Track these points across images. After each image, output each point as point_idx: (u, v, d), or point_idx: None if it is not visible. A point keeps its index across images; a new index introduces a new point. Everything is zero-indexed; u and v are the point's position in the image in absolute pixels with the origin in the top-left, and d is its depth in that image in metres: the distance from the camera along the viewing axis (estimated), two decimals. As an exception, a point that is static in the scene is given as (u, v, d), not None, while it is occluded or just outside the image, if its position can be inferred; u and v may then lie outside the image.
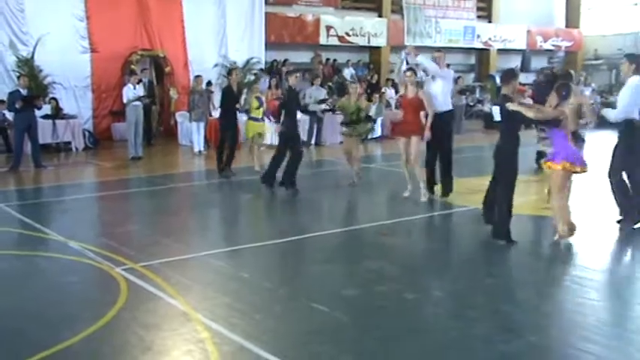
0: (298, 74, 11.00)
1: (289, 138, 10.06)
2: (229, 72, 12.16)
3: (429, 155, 9.34)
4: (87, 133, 16.01)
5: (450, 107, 9.40)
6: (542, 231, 7.81)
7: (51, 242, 7.26)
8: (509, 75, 7.15)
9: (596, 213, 8.36)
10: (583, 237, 7.13)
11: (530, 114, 6.67)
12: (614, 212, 7.80)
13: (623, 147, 7.50)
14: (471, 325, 4.78)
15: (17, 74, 14.54)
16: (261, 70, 18.52)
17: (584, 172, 6.85)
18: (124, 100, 14.10)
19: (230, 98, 11.38)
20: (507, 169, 6.94)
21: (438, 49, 10.46)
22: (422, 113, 9.23)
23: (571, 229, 6.94)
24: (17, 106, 12.20)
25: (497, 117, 7.06)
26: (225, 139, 11.45)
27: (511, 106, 6.76)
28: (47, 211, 9.39)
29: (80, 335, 4.50)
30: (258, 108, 11.90)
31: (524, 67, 26.79)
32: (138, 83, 14.33)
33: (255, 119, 12.00)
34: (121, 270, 5.98)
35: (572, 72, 11.23)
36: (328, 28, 22.08)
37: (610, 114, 7.61)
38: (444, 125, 9.18)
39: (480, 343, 4.51)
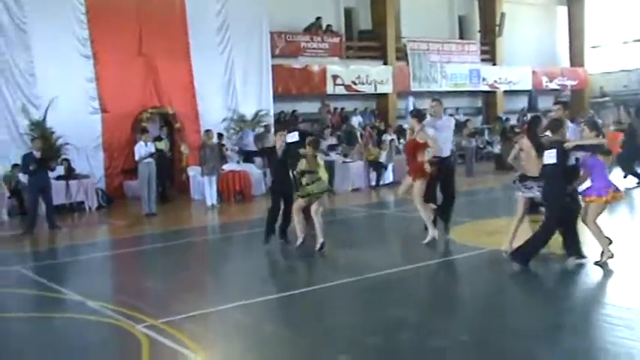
0: (284, 133, 10.36)
1: (278, 192, 9.89)
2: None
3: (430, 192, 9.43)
4: (100, 192, 16.07)
5: (449, 153, 9.71)
6: (564, 271, 7.67)
7: (69, 302, 7.20)
8: (557, 124, 7.63)
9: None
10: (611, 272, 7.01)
11: (590, 142, 7.32)
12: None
13: None
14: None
15: (30, 137, 14.73)
16: (267, 125, 18.66)
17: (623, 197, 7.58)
18: (136, 158, 14.20)
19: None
20: (558, 207, 7.29)
21: (435, 99, 10.47)
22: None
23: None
24: (31, 168, 12.30)
25: (549, 160, 7.28)
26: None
27: (569, 144, 7.27)
28: (64, 271, 9.36)
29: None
30: None
31: (532, 107, 26.94)
32: (159, 140, 14.52)
33: None
34: (141, 327, 5.89)
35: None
36: (334, 77, 22.35)
37: None
38: (445, 168, 9.48)
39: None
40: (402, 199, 10.97)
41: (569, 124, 8.73)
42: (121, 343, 5.75)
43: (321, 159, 9.66)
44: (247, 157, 15.35)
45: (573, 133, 8.42)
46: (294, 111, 21.32)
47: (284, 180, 9.84)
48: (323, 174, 9.56)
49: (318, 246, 9.00)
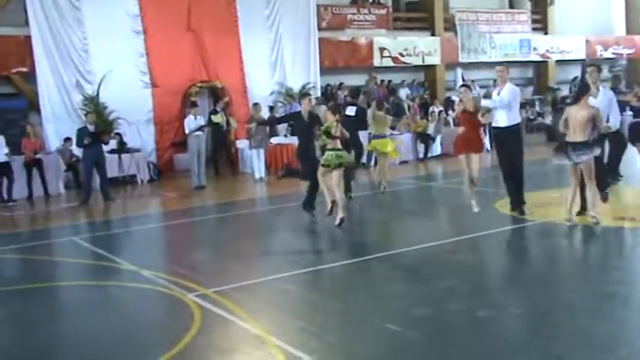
0: (312, 97, 10.32)
1: (304, 159, 9.72)
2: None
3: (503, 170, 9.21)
4: (151, 166, 16.43)
5: (517, 121, 9.07)
6: (618, 242, 7.52)
7: (124, 272, 7.43)
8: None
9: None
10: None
11: None
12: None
13: None
14: (553, 342, 4.60)
15: (84, 112, 15.11)
16: (318, 97, 18.67)
17: None
18: (186, 131, 14.43)
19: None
20: None
21: (500, 63, 10.26)
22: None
23: None
24: (85, 142, 12.62)
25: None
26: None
27: None
28: (118, 241, 9.65)
29: (160, 360, 4.57)
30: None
31: (585, 77, 26.15)
32: (214, 114, 15.20)
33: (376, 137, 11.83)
34: (193, 296, 6.05)
35: None
36: (382, 49, 22.12)
37: None
38: (511, 140, 8.98)
39: (564, 360, 4.34)
40: (453, 171, 10.89)
41: (602, 88, 8.68)
42: (173, 310, 5.92)
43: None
44: (272, 124, 15.14)
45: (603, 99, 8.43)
46: (340, 84, 21.24)
47: (309, 147, 9.64)
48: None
49: (337, 221, 8.82)
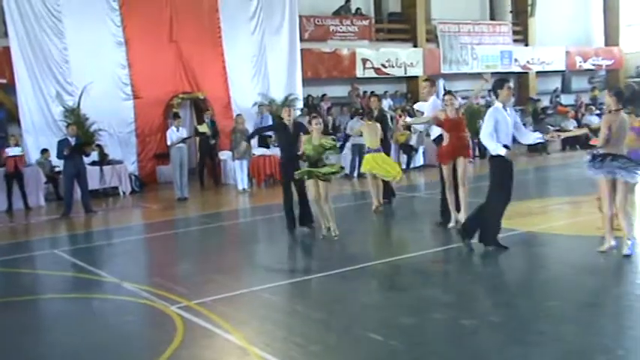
0: (291, 108, 10.35)
1: (287, 171, 9.58)
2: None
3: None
4: (133, 177, 16.33)
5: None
6: (594, 252, 7.59)
7: (105, 284, 7.37)
8: None
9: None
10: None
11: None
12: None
13: None
14: (534, 350, 4.64)
15: (65, 123, 15.01)
16: (301, 109, 18.74)
17: None
18: (168, 143, 14.40)
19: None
20: None
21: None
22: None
23: None
24: (65, 152, 12.53)
25: None
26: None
27: None
28: (100, 254, 9.56)
29: (141, 373, 4.53)
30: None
31: (565, 89, 26.49)
32: (200, 124, 15.22)
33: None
34: (175, 308, 6.02)
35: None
36: (364, 60, 22.26)
37: None
38: None
39: (545, 367, 4.38)
40: (436, 181, 10.89)
41: None
42: (156, 322, 5.88)
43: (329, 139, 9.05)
44: (258, 135, 14.33)
45: None
46: (323, 95, 21.31)
47: (293, 158, 9.42)
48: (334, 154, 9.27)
49: (324, 231, 8.83)
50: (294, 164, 9.35)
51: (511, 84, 7.73)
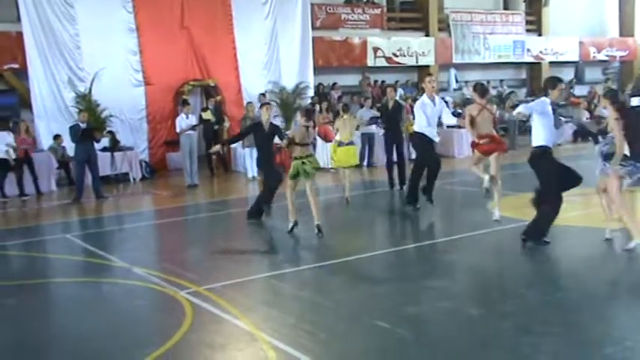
0: (270, 105, 10.24)
1: (267, 173, 9.73)
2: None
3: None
4: (144, 164, 16.39)
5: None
6: (604, 243, 7.57)
7: (116, 269, 7.42)
8: None
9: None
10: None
11: None
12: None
13: None
14: (544, 340, 4.64)
15: (76, 109, 15.07)
16: (312, 97, 18.68)
17: None
18: (177, 130, 14.44)
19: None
20: None
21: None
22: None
23: None
24: (76, 139, 12.58)
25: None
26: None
27: None
28: (110, 239, 9.63)
29: (151, 356, 4.58)
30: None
31: (578, 79, 26.26)
32: (204, 111, 14.90)
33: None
34: (185, 293, 6.06)
35: None
36: (375, 49, 22.14)
37: None
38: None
39: (554, 358, 4.37)
40: (446, 171, 10.87)
41: None
42: (165, 307, 5.92)
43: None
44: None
45: None
46: (334, 83, 21.26)
47: (270, 158, 9.75)
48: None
49: (315, 230, 8.38)
50: (272, 163, 9.67)
51: (563, 85, 7.63)
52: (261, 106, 10.42)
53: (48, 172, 14.39)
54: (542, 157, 7.09)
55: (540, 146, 7.08)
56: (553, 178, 7.01)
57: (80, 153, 12.80)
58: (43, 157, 14.48)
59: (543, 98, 7.25)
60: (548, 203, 7.09)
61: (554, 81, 7.30)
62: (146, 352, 4.64)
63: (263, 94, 16.71)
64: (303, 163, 8.40)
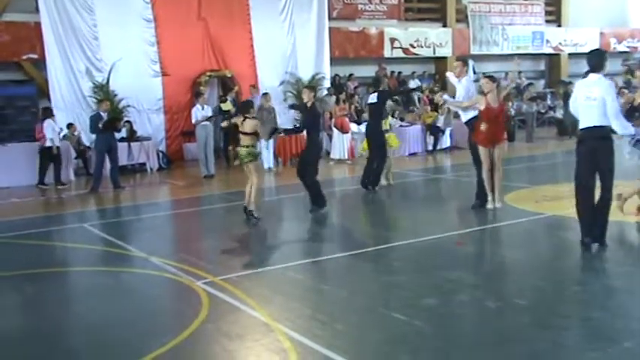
0: (313, 88, 10.57)
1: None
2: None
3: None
4: (160, 154, 16.47)
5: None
6: (622, 236, 7.49)
7: (133, 258, 7.47)
8: None
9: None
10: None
11: None
12: None
13: None
14: (561, 333, 4.61)
15: (95, 99, 15.15)
16: (328, 88, 18.65)
17: None
18: (193, 121, 14.48)
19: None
20: None
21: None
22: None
23: None
24: (100, 126, 12.65)
25: None
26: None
27: None
28: (128, 229, 9.69)
29: (168, 345, 4.61)
30: None
31: (597, 71, 25.91)
32: (224, 102, 15.13)
33: None
34: (201, 283, 6.09)
35: None
36: (392, 40, 22.03)
37: None
38: None
39: (572, 352, 4.34)
40: (462, 163, 10.83)
41: None
42: (182, 297, 5.95)
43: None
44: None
45: None
46: (350, 74, 21.19)
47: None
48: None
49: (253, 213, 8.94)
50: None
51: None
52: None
53: (67, 161, 14.51)
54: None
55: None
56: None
57: (101, 143, 12.87)
58: (64, 146, 14.58)
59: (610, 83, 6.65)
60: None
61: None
62: (163, 340, 4.67)
63: (265, 94, 16.43)
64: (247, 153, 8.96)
